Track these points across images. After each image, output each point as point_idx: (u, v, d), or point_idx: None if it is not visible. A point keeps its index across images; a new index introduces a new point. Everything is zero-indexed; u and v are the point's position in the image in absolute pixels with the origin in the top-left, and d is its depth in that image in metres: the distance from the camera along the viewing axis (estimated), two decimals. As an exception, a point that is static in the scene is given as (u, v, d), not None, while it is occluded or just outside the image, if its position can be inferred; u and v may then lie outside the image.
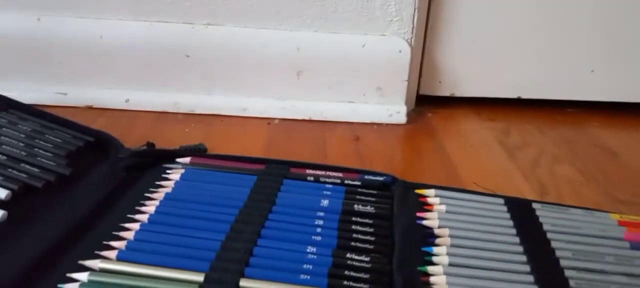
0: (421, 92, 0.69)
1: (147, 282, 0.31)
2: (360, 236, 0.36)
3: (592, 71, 0.68)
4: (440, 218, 0.39)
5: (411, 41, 0.63)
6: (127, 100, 0.63)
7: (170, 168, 0.45)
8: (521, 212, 0.40)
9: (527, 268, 0.34)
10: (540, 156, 0.57)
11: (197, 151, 0.49)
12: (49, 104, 0.62)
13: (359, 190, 0.43)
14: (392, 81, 0.63)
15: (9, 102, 0.49)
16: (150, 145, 0.49)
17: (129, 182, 0.43)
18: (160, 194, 0.40)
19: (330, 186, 0.43)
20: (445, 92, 0.69)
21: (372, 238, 0.36)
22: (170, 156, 0.46)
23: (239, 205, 0.39)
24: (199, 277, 0.31)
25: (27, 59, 0.62)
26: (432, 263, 0.34)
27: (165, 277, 0.31)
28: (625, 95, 0.70)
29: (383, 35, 0.63)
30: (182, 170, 0.44)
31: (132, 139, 0.55)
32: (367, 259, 0.34)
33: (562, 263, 0.35)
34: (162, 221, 0.37)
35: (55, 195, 0.39)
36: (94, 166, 0.45)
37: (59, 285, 0.30)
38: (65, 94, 0.63)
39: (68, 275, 0.31)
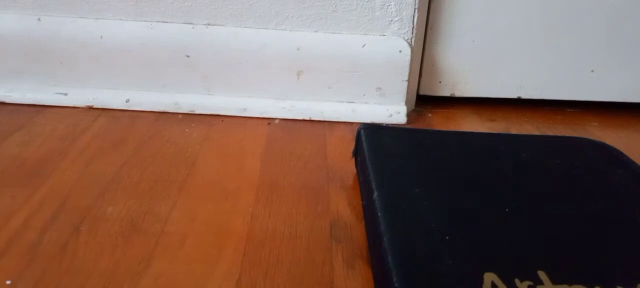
0: (421, 92, 0.69)
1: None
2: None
3: (592, 71, 0.68)
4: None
5: (411, 41, 0.63)
6: (127, 100, 0.63)
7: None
8: None
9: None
10: (540, 156, 0.57)
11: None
12: (49, 104, 0.62)
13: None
14: (392, 81, 0.63)
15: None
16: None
17: None
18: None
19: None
20: (445, 92, 0.69)
21: None
22: None
23: None
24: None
25: (27, 59, 0.62)
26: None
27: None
28: (625, 95, 0.70)
29: (383, 35, 0.63)
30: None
31: (133, 139, 0.55)
32: None
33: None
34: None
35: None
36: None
37: None
38: (66, 94, 0.63)
39: None
